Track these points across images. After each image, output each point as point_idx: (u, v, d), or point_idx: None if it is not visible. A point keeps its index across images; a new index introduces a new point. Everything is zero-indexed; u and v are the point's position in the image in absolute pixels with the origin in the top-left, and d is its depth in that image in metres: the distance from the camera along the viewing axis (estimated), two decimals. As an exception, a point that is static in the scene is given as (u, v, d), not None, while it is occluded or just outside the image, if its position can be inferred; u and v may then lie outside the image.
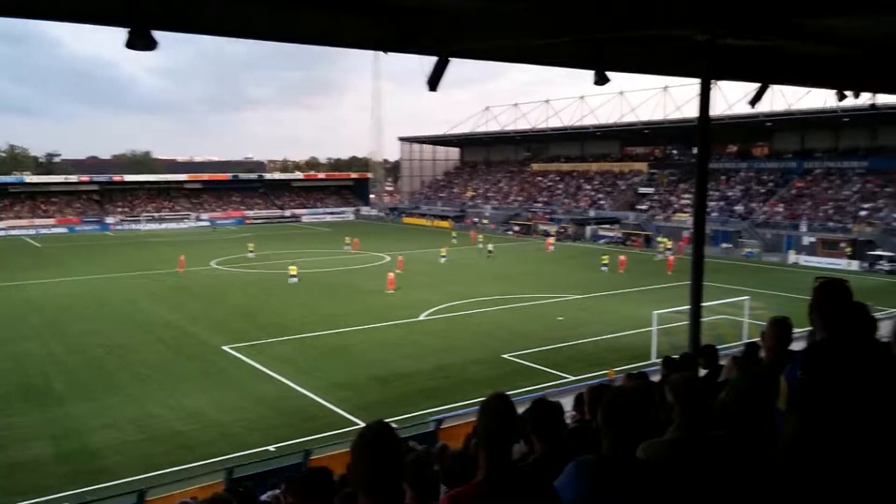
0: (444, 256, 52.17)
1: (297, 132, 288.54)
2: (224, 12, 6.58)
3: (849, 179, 58.60)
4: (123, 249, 62.94)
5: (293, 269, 43.45)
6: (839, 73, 10.95)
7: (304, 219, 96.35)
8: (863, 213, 54.03)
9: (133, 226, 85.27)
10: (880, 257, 48.11)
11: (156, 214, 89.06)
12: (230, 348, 27.69)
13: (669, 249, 53.78)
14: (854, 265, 48.68)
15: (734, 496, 3.23)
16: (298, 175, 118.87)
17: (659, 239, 60.28)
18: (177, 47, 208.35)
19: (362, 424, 18.28)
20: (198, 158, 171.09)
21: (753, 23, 6.63)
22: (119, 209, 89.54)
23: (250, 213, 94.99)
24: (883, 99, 14.97)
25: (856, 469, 3.25)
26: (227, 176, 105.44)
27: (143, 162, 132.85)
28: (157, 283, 43.71)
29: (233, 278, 45.82)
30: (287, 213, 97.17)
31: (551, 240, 63.83)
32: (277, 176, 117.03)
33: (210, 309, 35.55)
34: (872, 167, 57.93)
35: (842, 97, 12.52)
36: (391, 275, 40.83)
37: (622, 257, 49.36)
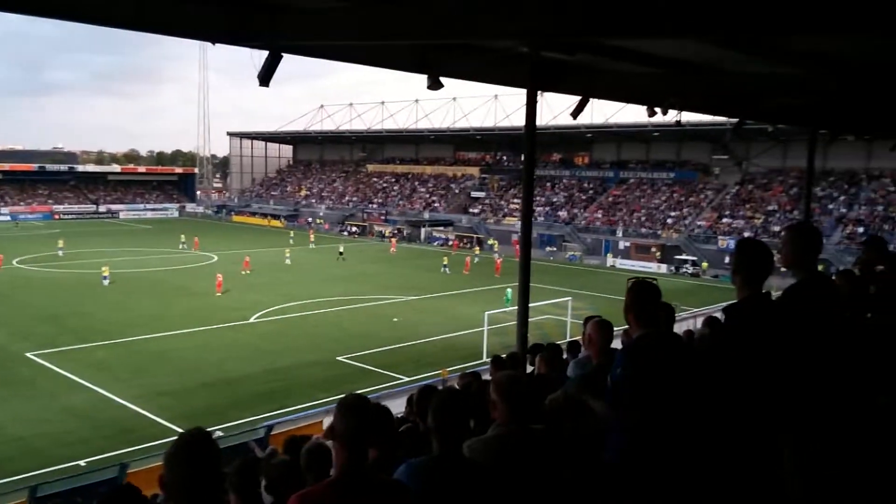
0: (288, 258, 50.44)
1: (112, 122, 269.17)
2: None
3: (658, 189, 63.96)
4: None
5: (105, 270, 40.25)
6: (648, 91, 11.91)
7: (123, 215, 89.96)
8: (670, 220, 59.22)
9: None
10: (685, 261, 52.93)
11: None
12: (35, 355, 25.23)
13: (496, 253, 55.84)
14: (663, 268, 53.17)
15: (558, 488, 3.40)
16: (116, 168, 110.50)
17: (490, 241, 62.63)
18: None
19: (186, 433, 17.42)
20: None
21: (564, 39, 7.04)
22: None
23: (60, 207, 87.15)
24: (687, 117, 16.48)
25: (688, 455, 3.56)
26: (33, 167, 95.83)
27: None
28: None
29: (40, 279, 41.82)
30: (102, 208, 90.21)
31: (395, 240, 64.09)
32: (91, 168, 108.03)
33: (12, 312, 32.21)
34: (678, 178, 63.67)
35: (652, 113, 13.63)
36: (219, 276, 38.90)
37: (468, 258, 50.25)
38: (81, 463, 16.31)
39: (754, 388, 3.44)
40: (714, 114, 19.96)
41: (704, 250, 53.78)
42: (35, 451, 17.21)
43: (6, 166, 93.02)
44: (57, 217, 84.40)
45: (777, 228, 52.93)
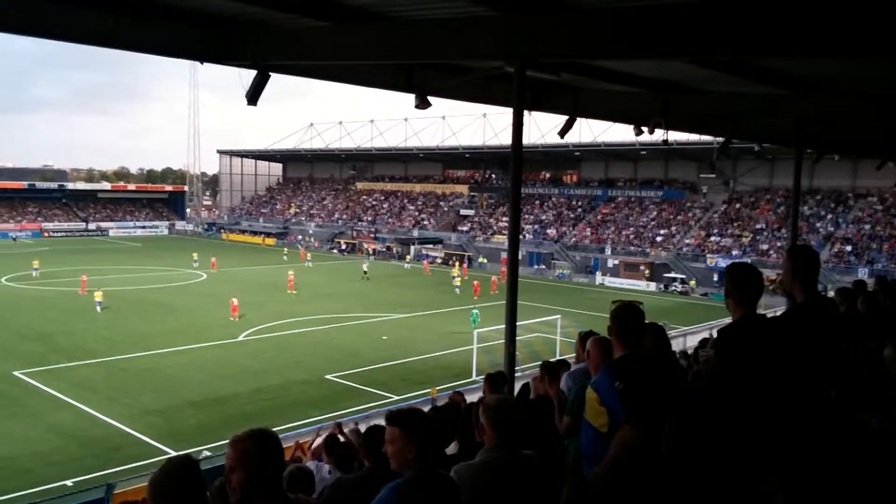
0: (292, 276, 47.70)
1: (100, 139, 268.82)
2: (20, 7, 6.05)
3: (646, 207, 64.34)
4: None
5: (98, 295, 37.29)
6: (634, 110, 12.07)
7: (112, 232, 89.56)
8: (659, 238, 59.52)
9: None
10: (673, 279, 53.16)
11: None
12: (23, 374, 25.02)
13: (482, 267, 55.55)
14: (652, 286, 53.38)
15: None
16: (106, 186, 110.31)
17: (481, 259, 62.74)
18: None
19: (172, 453, 17.26)
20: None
21: (554, 60, 7.16)
22: None
23: (49, 224, 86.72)
24: (674, 136, 16.68)
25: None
26: (23, 184, 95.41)
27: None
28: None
29: (29, 297, 41.52)
30: (92, 226, 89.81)
31: (428, 263, 62.67)
32: (81, 186, 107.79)
33: (0, 331, 31.99)
34: (666, 197, 64.08)
35: (639, 132, 13.80)
36: (234, 300, 36.32)
37: (476, 282, 47.01)
38: (69, 483, 16.13)
39: (744, 415, 3.44)
40: (700, 133, 20.20)
41: (693, 268, 54.05)
42: (23, 470, 17.02)
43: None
44: (46, 235, 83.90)
45: (765, 247, 53.33)
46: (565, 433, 5.05)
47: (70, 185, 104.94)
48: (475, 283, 46.32)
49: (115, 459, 17.66)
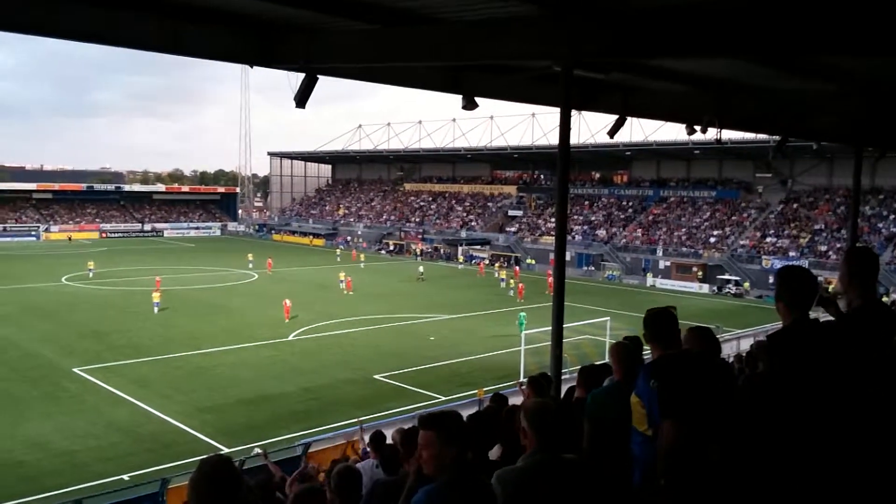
0: (342, 280, 47.21)
1: (155, 142, 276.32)
2: (75, 15, 6.22)
3: (699, 208, 63.10)
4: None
5: (156, 296, 37.85)
6: (685, 109, 11.82)
7: (167, 233, 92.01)
8: (712, 239, 58.30)
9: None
10: (727, 281, 51.98)
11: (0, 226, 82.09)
12: (82, 370, 25.84)
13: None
14: (705, 288, 52.33)
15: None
16: (160, 187, 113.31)
17: (529, 260, 62.42)
18: (21, 45, 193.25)
19: (225, 449, 17.57)
20: (48, 167, 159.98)
21: (601, 59, 7.04)
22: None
23: (107, 226, 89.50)
24: (728, 134, 16.30)
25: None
26: (82, 186, 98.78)
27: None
28: (1, 300, 40.18)
29: (86, 295, 42.90)
30: (147, 227, 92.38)
31: (483, 264, 62.35)
32: (137, 188, 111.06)
33: (60, 328, 33.07)
34: (720, 197, 62.73)
35: (691, 131, 13.50)
36: (287, 302, 36.54)
37: (521, 285, 46.47)
38: (125, 477, 16.58)
39: (796, 424, 3.32)
40: (755, 131, 19.68)
41: (748, 270, 52.78)
42: (81, 465, 17.56)
43: (56, 186, 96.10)
44: (104, 236, 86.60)
45: (824, 248, 51.74)
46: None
47: (126, 187, 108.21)
48: (520, 285, 46.02)
49: (169, 455, 18.08)
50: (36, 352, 28.53)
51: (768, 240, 55.53)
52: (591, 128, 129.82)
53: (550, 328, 8.60)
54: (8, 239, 79.60)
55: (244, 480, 3.55)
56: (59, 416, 21.13)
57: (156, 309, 37.25)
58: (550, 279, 47.77)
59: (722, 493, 3.46)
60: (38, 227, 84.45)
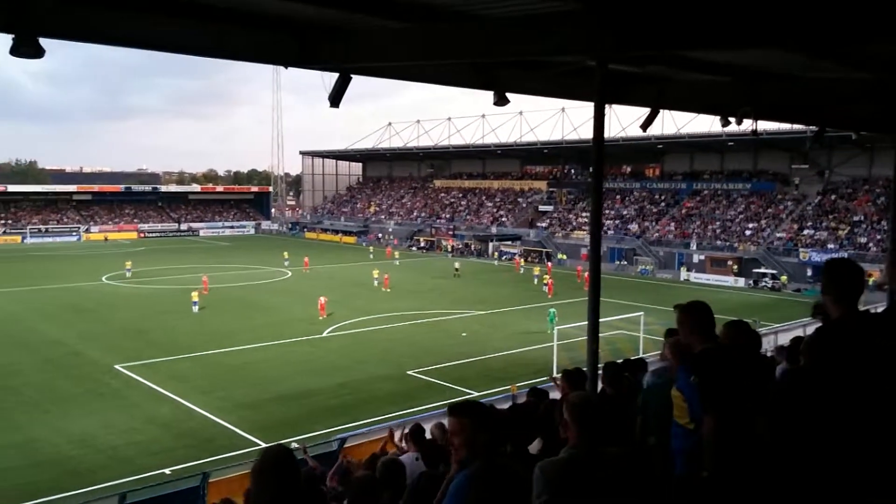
0: (376, 279, 47.14)
1: (190, 143, 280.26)
2: (118, 22, 6.37)
3: (734, 200, 62.15)
4: (7, 264, 59.03)
5: (195, 296, 38.40)
6: (720, 101, 11.67)
7: (202, 233, 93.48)
8: (748, 232, 57.43)
9: (27, 239, 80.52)
10: (763, 275, 51.16)
11: (42, 227, 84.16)
12: (123, 367, 26.42)
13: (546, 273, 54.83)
14: (740, 282, 51.57)
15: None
16: (196, 188, 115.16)
17: (560, 256, 62.14)
18: (61, 50, 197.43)
19: (262, 444, 17.84)
20: (87, 169, 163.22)
21: (636, 52, 7.00)
22: (1, 221, 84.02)
23: (145, 226, 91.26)
24: (763, 125, 16.03)
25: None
26: (120, 188, 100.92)
27: (27, 172, 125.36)
28: (45, 299, 41.19)
29: (126, 294, 43.78)
30: (184, 226, 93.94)
31: (519, 259, 62.52)
32: (174, 188, 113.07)
33: (102, 326, 33.82)
34: (755, 189, 61.71)
35: (725, 123, 13.32)
36: (322, 299, 36.84)
37: (550, 280, 45.97)
38: (167, 471, 16.94)
39: (842, 420, 3.28)
40: (792, 122, 19.32)
41: (785, 263, 51.90)
42: (125, 459, 17.97)
43: (95, 188, 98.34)
44: (142, 236, 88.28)
45: (864, 240, 50.68)
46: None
47: (163, 188, 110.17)
48: (549, 281, 45.78)
49: (209, 450, 18.42)
50: (79, 349, 29.23)
51: (806, 232, 54.55)
52: (621, 121, 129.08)
53: (583, 323, 8.59)
54: (50, 239, 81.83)
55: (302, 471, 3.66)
56: (103, 411, 21.63)
57: (195, 308, 37.68)
58: (582, 274, 47.93)
59: (764, 484, 3.46)
60: (79, 227, 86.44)
